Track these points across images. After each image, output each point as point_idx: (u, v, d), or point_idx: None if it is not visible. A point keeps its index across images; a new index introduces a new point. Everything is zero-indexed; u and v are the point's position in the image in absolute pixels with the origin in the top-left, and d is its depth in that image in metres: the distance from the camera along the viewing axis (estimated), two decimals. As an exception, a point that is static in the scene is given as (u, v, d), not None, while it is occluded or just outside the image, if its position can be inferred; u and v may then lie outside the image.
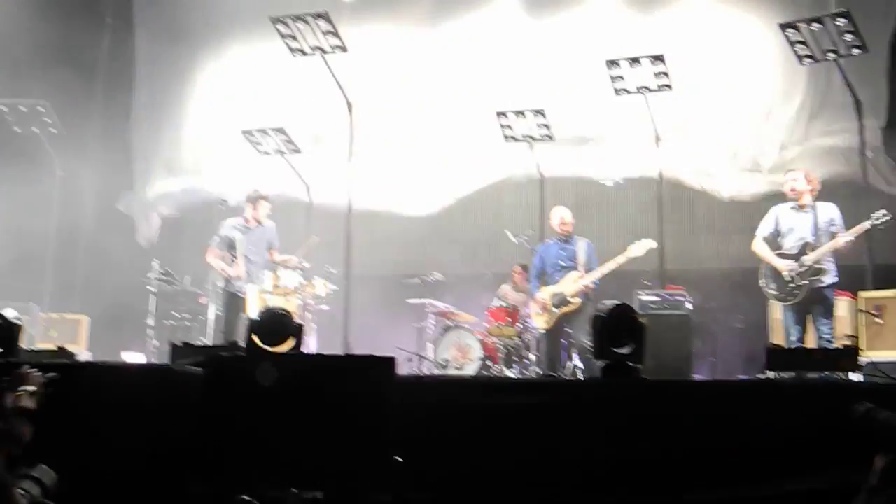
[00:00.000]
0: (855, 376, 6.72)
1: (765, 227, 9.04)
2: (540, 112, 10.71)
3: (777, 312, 9.39)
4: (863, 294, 9.42)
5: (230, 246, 10.47)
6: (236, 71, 14.26)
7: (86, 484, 4.40)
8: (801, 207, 8.89)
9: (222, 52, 14.43)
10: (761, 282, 8.95)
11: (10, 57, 12.55)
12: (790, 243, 8.83)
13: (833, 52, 9.82)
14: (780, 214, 9.01)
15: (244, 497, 3.39)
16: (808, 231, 8.76)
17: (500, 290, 11.27)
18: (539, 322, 9.95)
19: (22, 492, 3.66)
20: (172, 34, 14.39)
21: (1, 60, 12.49)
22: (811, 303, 8.65)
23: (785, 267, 8.64)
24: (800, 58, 10.12)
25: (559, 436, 4.85)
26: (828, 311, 8.67)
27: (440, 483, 4.84)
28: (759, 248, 8.99)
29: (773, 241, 8.98)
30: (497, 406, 5.16)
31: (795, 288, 8.62)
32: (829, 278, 8.68)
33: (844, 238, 8.56)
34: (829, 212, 8.87)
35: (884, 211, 8.71)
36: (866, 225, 8.64)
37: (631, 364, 5.22)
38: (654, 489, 4.65)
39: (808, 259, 8.58)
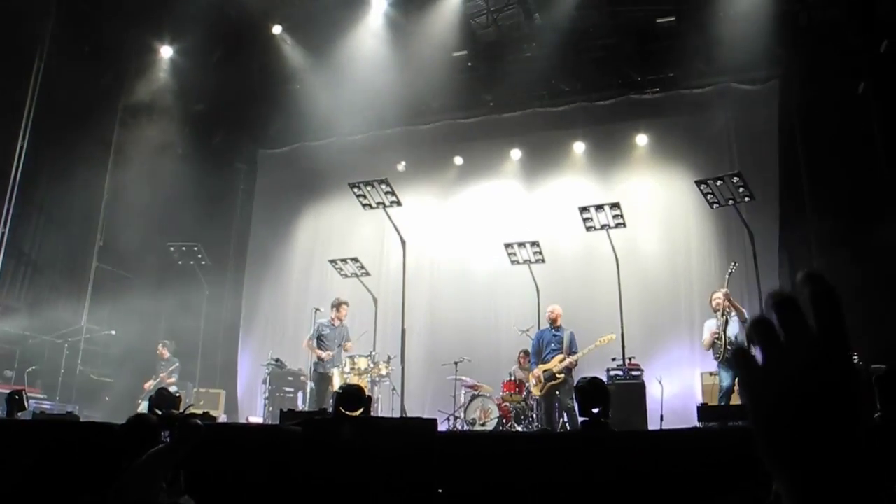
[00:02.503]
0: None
1: (706, 332, 9.15)
2: (535, 243, 10.76)
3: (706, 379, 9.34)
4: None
5: (320, 338, 10.51)
6: (326, 218, 14.49)
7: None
8: (719, 317, 8.97)
9: (315, 203, 14.68)
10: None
11: (174, 208, 12.85)
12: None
13: (732, 199, 9.92)
14: (709, 325, 9.13)
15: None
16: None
17: (511, 369, 11.18)
18: (535, 391, 9.83)
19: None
20: (283, 192, 14.74)
21: (171, 212, 12.79)
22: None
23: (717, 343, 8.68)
24: (710, 204, 10.20)
25: (554, 470, 4.77)
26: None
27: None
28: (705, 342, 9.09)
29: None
30: (511, 451, 5.09)
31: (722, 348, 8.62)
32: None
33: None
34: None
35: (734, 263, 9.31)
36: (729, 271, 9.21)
37: (602, 419, 5.15)
38: (616, 498, 4.55)
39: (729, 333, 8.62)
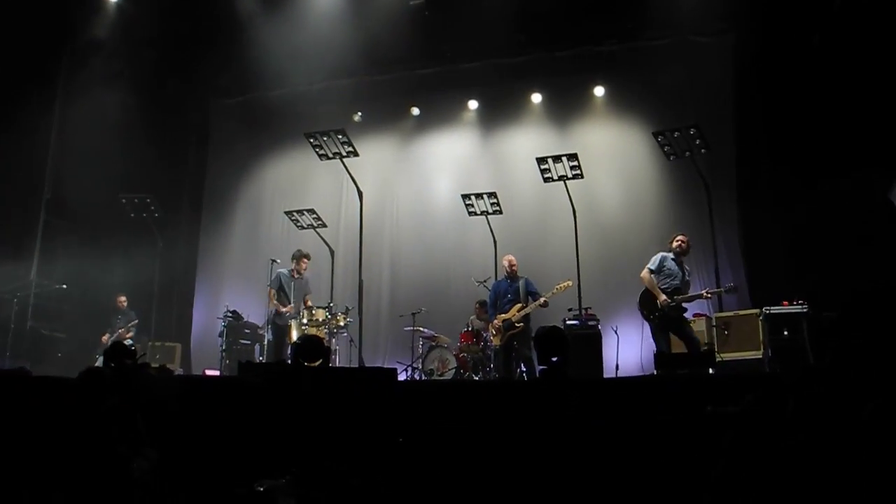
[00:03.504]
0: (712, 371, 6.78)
1: (652, 264, 8.90)
2: (493, 194, 10.74)
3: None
4: (716, 314, 9.54)
5: (281, 287, 10.42)
6: (282, 169, 14.27)
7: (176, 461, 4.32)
8: (678, 260, 8.89)
9: (271, 153, 14.43)
10: (640, 308, 8.91)
11: (125, 159, 12.52)
12: (665, 284, 8.75)
13: (689, 150, 9.99)
14: (664, 259, 8.88)
15: (292, 470, 3.32)
16: (679, 280, 8.77)
17: (468, 319, 11.23)
18: (495, 340, 9.88)
19: (135, 465, 3.59)
20: (237, 142, 14.41)
21: (122, 163, 12.46)
22: (670, 324, 8.64)
23: (663, 300, 8.61)
24: (667, 155, 10.28)
25: (512, 417, 4.81)
26: (683, 331, 8.64)
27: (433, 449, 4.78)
28: (647, 277, 8.82)
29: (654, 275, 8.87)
30: (469, 400, 5.12)
31: (663, 315, 8.58)
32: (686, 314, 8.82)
33: (707, 294, 8.85)
34: (688, 270, 8.96)
35: (733, 283, 9.05)
36: (721, 290, 9.07)
37: (560, 368, 5.18)
38: (576, 445, 4.59)
39: (678, 298, 8.59)
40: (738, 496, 3.23)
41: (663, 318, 8.57)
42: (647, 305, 8.74)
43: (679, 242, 8.90)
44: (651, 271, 8.81)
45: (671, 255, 8.89)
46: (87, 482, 3.01)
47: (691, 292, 8.76)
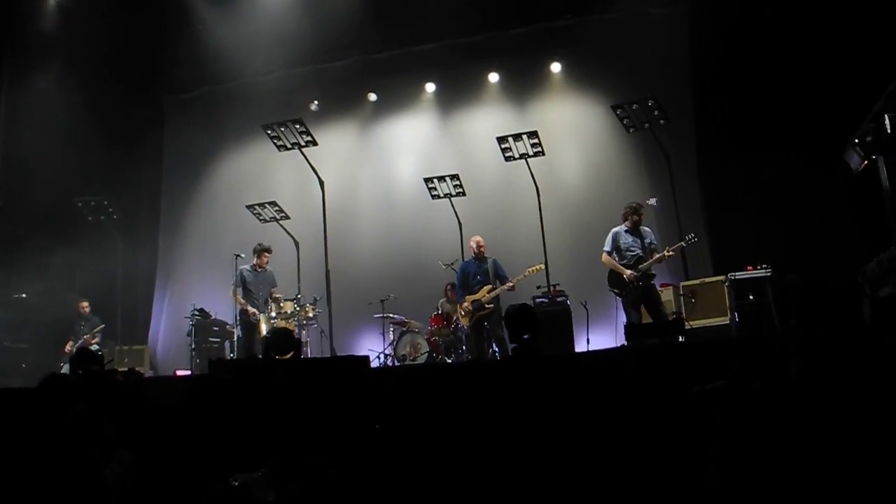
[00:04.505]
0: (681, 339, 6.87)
1: (606, 245, 9.07)
2: (455, 176, 10.73)
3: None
4: (682, 283, 9.67)
5: (244, 283, 10.35)
6: (241, 162, 14.12)
7: (150, 463, 4.28)
8: (633, 231, 8.98)
9: (229, 147, 14.27)
10: (611, 288, 9.02)
11: (78, 161, 12.29)
12: (626, 258, 8.87)
13: (648, 122, 10.08)
14: (617, 235, 9.02)
15: (268, 462, 3.31)
16: (639, 249, 8.85)
17: (438, 302, 11.25)
18: (465, 322, 9.90)
19: (108, 470, 3.55)
20: (194, 137, 14.21)
21: (76, 167, 12.22)
22: (642, 296, 8.74)
23: (629, 274, 8.70)
24: (627, 128, 10.36)
25: (486, 397, 4.83)
26: (654, 302, 8.75)
27: (408, 436, 4.79)
28: (606, 258, 9.01)
29: (612, 254, 9.01)
30: (443, 383, 5.13)
31: (634, 288, 8.71)
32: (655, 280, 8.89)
33: (668, 253, 8.71)
34: (650, 234, 9.02)
35: (693, 234, 8.94)
36: (682, 244, 8.91)
37: (532, 345, 5.22)
38: (550, 420, 4.62)
39: (643, 267, 8.69)
40: (744, 472, 3.25)
41: (634, 292, 8.69)
42: (617, 284, 8.88)
43: (625, 211, 9.08)
44: (608, 252, 8.99)
45: (624, 227, 9.04)
46: (59, 489, 2.97)
47: (657, 254, 8.85)
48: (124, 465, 3.62)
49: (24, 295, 11.79)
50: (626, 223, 9.04)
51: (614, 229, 9.10)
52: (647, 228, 9.12)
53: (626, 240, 8.94)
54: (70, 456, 3.29)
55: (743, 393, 3.44)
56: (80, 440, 3.42)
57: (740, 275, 9.22)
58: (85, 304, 11.89)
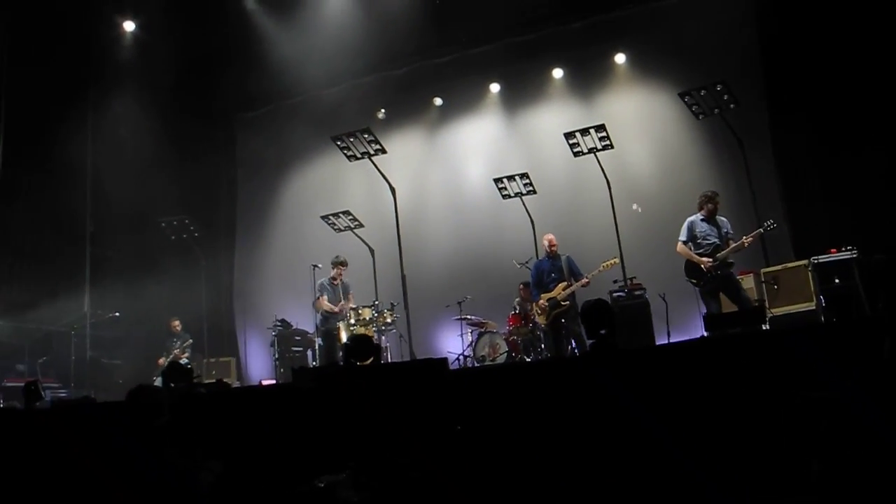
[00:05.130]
0: (765, 327, 6.71)
1: (682, 234, 8.90)
2: (525, 175, 10.72)
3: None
4: (763, 270, 9.44)
5: (325, 294, 10.58)
6: (312, 174, 14.44)
7: (239, 469, 4.42)
8: (708, 220, 8.81)
9: (300, 160, 14.61)
10: (688, 279, 8.86)
11: (158, 184, 12.79)
12: (702, 248, 8.70)
13: (718, 108, 9.87)
14: (693, 225, 8.87)
15: (352, 465, 3.40)
16: (715, 237, 8.69)
17: (514, 302, 11.26)
18: (541, 320, 9.90)
19: (200, 478, 3.69)
20: (265, 153, 14.64)
21: (156, 189, 12.72)
22: (721, 285, 8.57)
23: (707, 263, 8.55)
24: (696, 115, 10.17)
25: (567, 393, 4.82)
26: (734, 290, 8.56)
27: (490, 436, 4.81)
28: (682, 248, 8.84)
29: (688, 244, 8.85)
30: (524, 382, 5.14)
31: (711, 278, 8.54)
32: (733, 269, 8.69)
33: (747, 240, 8.52)
34: (726, 224, 8.82)
35: (772, 220, 8.70)
36: (760, 231, 8.68)
37: (609, 340, 5.20)
38: (630, 415, 4.59)
39: (720, 256, 8.52)
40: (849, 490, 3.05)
41: (713, 281, 8.53)
42: (694, 274, 8.73)
43: (700, 200, 8.87)
44: (683, 242, 8.82)
45: (699, 216, 8.85)
46: (155, 497, 3.12)
47: (733, 243, 8.65)
48: (215, 472, 3.76)
49: (117, 314, 12.31)
50: (702, 212, 8.85)
51: (689, 218, 8.93)
52: (723, 218, 8.90)
53: (702, 228, 8.77)
54: (162, 464, 3.44)
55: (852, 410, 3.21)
56: (168, 450, 3.58)
57: (824, 258, 8.94)
58: (176, 322, 12.34)
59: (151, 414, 3.98)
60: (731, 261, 8.63)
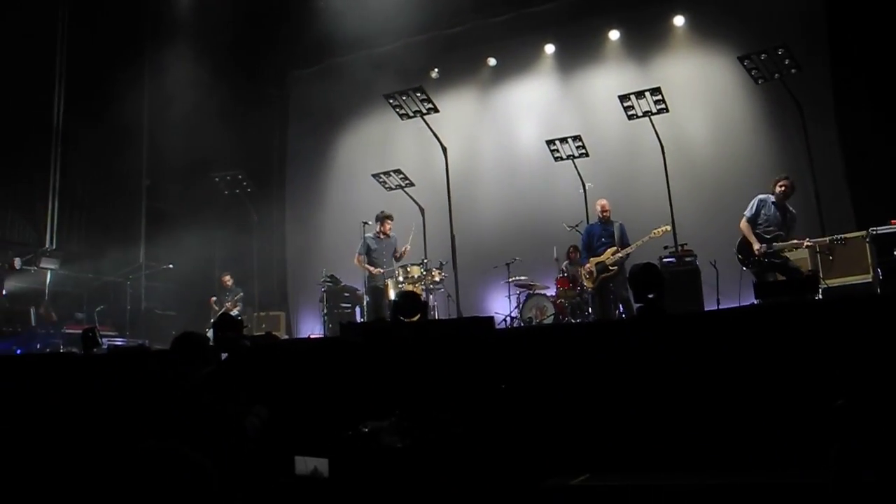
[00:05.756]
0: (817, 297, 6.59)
1: (749, 210, 8.63)
2: (577, 137, 10.60)
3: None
4: (818, 240, 9.15)
5: (368, 251, 10.60)
6: (364, 132, 14.50)
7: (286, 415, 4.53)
8: (779, 205, 8.55)
9: (352, 118, 14.69)
10: (737, 253, 8.69)
11: (212, 139, 12.98)
12: (762, 230, 8.50)
13: (778, 72, 9.59)
14: (763, 204, 8.59)
15: (396, 412, 3.46)
16: (779, 225, 8.47)
17: (563, 265, 11.23)
18: (588, 284, 9.88)
19: (247, 422, 3.79)
20: (317, 110, 14.77)
21: (210, 144, 12.91)
22: (769, 270, 8.41)
23: (759, 247, 8.37)
24: (755, 80, 9.90)
25: (613, 357, 4.83)
26: (787, 271, 8.32)
27: (536, 396, 4.84)
28: (744, 225, 8.59)
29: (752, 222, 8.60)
30: (570, 345, 5.14)
31: (760, 264, 8.38)
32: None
33: (808, 242, 8.35)
34: (794, 216, 8.60)
35: (842, 237, 8.47)
36: (826, 240, 8.48)
37: (658, 305, 5.16)
38: (679, 382, 4.57)
39: (778, 246, 8.33)
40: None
41: (759, 265, 8.36)
42: (743, 251, 8.55)
43: (782, 187, 8.48)
44: (748, 218, 8.57)
45: (772, 198, 8.56)
46: (203, 440, 3.21)
47: (795, 236, 8.41)
48: (262, 418, 3.87)
49: (171, 266, 12.60)
50: (775, 195, 8.55)
51: (761, 196, 8.62)
52: (793, 210, 8.61)
53: (770, 212, 8.50)
54: (209, 410, 3.54)
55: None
56: (215, 397, 3.68)
57: (883, 229, 8.66)
58: (227, 277, 12.61)
59: (197, 360, 4.11)
60: (785, 255, 8.41)
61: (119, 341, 11.01)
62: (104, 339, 8.85)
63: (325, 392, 4.97)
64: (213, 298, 12.50)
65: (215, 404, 3.50)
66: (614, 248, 9.64)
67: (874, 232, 8.68)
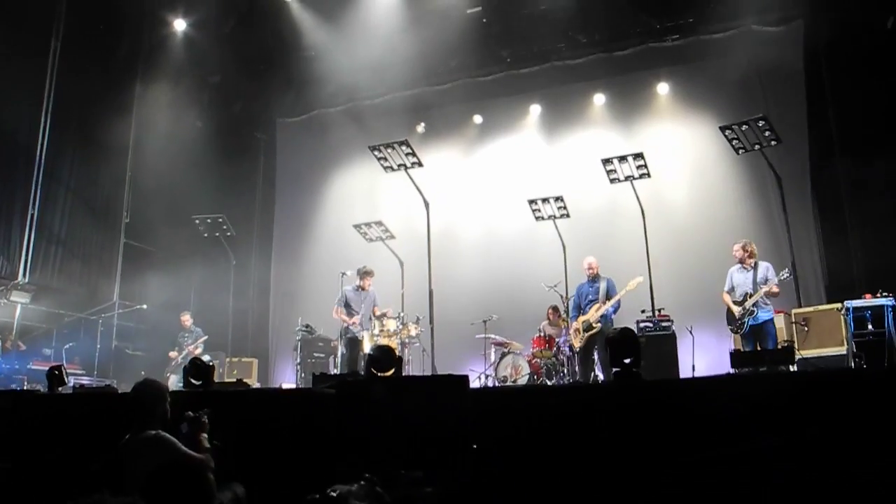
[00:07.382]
0: (793, 368, 6.66)
1: (726, 285, 9.16)
2: (559, 198, 10.68)
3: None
4: (794, 311, 9.32)
5: (347, 303, 10.55)
6: (349, 183, 14.53)
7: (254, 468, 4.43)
8: (745, 268, 9.00)
9: (338, 168, 14.72)
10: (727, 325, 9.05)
11: (196, 181, 12.94)
12: (737, 294, 8.95)
13: (758, 143, 9.77)
14: (731, 273, 9.15)
15: (366, 476, 3.37)
16: (749, 285, 8.80)
17: (540, 325, 11.20)
18: (575, 342, 9.93)
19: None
20: (304, 159, 14.82)
21: (194, 186, 12.87)
22: (758, 336, 8.62)
23: (736, 311, 8.77)
24: (736, 150, 10.08)
25: (586, 420, 4.79)
26: (771, 341, 8.60)
27: (506, 458, 4.78)
28: (724, 298, 9.08)
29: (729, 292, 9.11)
30: (543, 405, 5.11)
31: (742, 324, 8.66)
32: (764, 314, 8.76)
33: (774, 289, 8.75)
34: (765, 270, 8.91)
35: (788, 270, 8.93)
36: (776, 281, 8.79)
37: (633, 369, 5.14)
38: (652, 448, 4.53)
39: (748, 304, 8.61)
40: None
41: (743, 329, 8.76)
42: (731, 322, 8.99)
43: (735, 253, 9.12)
44: (725, 291, 9.13)
45: (736, 267, 9.14)
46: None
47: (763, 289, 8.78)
48: (238, 496, 3.79)
49: (144, 306, 12.44)
50: (737, 262, 9.13)
51: (731, 268, 9.19)
52: (764, 263, 9.01)
53: (737, 278, 9.06)
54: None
55: None
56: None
57: (858, 303, 8.76)
58: (186, 316, 12.33)
59: (155, 407, 4.10)
60: (766, 308, 8.68)
61: (86, 380, 10.81)
62: (70, 378, 8.68)
63: (292, 448, 4.88)
64: (173, 353, 12.11)
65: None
66: (597, 305, 9.72)
67: (850, 305, 8.78)
